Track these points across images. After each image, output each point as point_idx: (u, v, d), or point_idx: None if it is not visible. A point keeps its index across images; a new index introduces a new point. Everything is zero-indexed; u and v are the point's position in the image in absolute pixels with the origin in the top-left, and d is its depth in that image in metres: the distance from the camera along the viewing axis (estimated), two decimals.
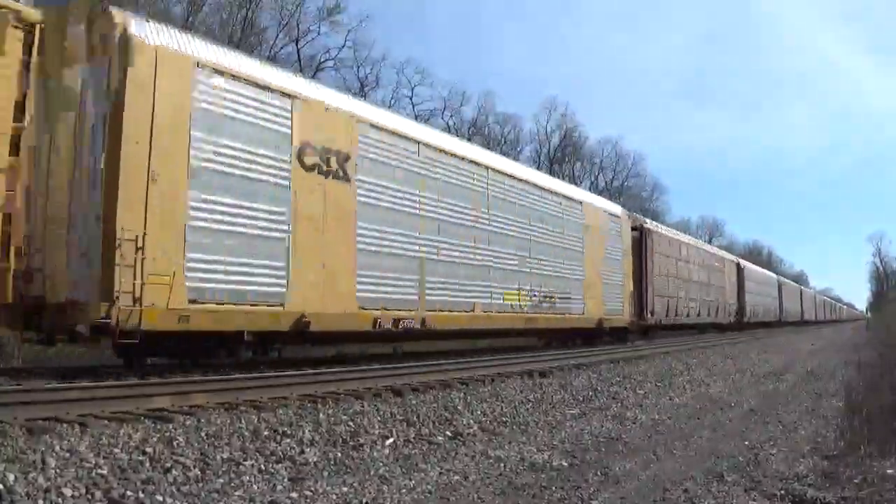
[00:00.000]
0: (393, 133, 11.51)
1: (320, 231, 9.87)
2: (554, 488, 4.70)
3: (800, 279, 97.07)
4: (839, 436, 6.63)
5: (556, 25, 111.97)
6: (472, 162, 13.64)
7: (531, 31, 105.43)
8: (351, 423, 6.24)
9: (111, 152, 7.59)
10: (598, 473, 5.13)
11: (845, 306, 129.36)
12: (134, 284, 7.48)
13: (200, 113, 8.40)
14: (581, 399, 9.00)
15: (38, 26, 7.95)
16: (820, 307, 78.91)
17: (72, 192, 7.88)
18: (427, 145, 12.33)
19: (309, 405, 7.07)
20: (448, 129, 43.44)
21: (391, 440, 5.90)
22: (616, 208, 21.02)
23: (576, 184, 46.51)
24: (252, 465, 4.79)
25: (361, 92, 40.34)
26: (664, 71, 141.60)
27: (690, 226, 77.86)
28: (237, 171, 8.82)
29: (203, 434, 5.39)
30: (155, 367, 8.79)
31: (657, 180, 71.70)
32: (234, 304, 8.63)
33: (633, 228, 20.86)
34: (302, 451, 5.25)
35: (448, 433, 6.40)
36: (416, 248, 11.77)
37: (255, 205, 9.00)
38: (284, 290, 9.28)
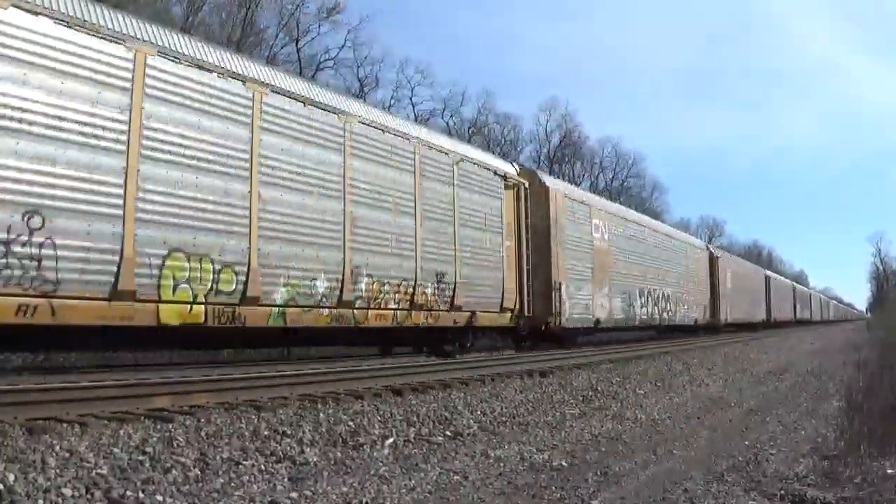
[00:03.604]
0: None
1: None
2: (554, 488, 4.70)
3: (800, 279, 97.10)
4: (839, 436, 6.61)
5: (557, 25, 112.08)
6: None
7: (531, 30, 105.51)
8: (351, 423, 6.25)
9: None
10: (598, 473, 5.13)
11: (837, 304, 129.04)
12: None
13: None
14: (581, 399, 9.00)
15: None
16: (817, 306, 78.46)
17: None
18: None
19: (309, 405, 7.08)
20: (448, 130, 43.46)
21: (391, 440, 5.90)
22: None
23: (576, 184, 45.61)
24: (252, 465, 4.79)
25: (361, 92, 40.36)
26: (665, 70, 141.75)
27: (690, 226, 78.12)
28: None
29: (203, 434, 5.40)
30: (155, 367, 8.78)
31: (657, 180, 71.98)
32: None
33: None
34: (302, 451, 5.25)
35: (448, 433, 6.40)
36: None
37: None
38: None
